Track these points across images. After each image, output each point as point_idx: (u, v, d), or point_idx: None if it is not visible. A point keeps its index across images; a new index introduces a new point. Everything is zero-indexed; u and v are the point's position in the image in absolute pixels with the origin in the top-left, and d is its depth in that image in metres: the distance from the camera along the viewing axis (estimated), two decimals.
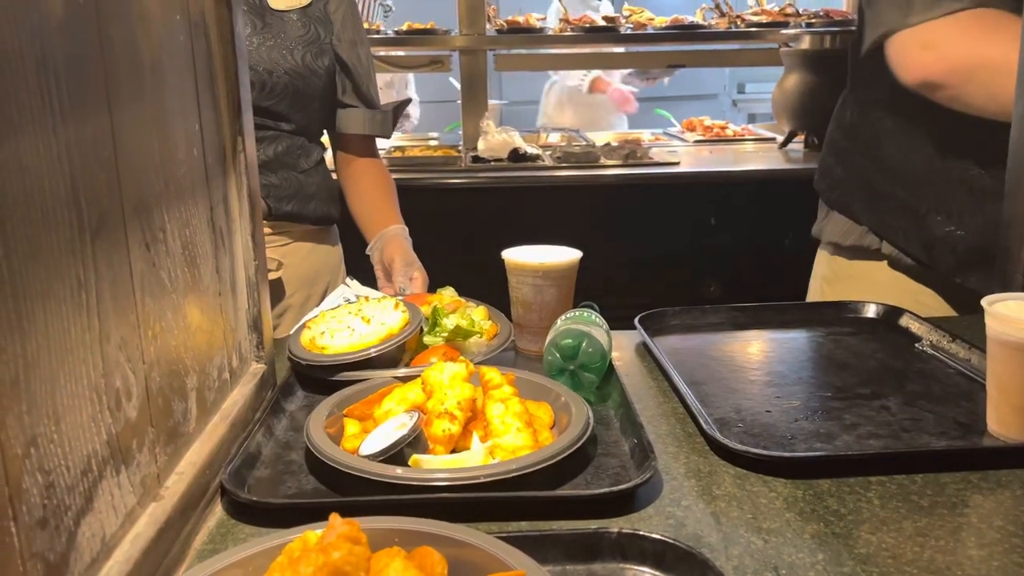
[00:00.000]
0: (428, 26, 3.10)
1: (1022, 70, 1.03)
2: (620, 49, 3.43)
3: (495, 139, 2.88)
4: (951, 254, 1.30)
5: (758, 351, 1.20)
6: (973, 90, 1.17)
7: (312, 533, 0.63)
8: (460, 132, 3.24)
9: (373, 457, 0.78)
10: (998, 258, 1.09)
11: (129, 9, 0.68)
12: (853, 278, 1.46)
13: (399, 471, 0.76)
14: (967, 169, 1.26)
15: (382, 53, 3.22)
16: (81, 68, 0.59)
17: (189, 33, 0.83)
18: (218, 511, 0.79)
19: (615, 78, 4.05)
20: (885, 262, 1.41)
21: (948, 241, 1.30)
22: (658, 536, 0.68)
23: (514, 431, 0.82)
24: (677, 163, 2.84)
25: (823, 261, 1.55)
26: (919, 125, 1.31)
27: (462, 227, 2.68)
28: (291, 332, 1.10)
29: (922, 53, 1.20)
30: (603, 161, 2.86)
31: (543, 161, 2.84)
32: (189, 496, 0.73)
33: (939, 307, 1.39)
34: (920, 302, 1.35)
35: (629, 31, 3.16)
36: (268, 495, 0.80)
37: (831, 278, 1.51)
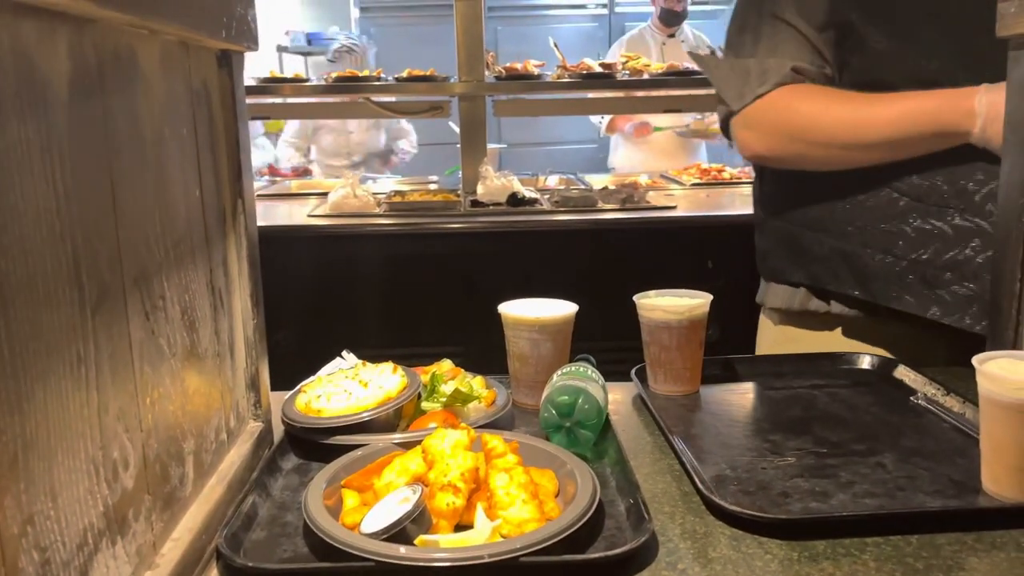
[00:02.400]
0: (428, 73, 3.14)
1: (1010, 129, 1.04)
2: (618, 94, 3.48)
3: (494, 184, 2.91)
4: (885, 282, 1.32)
5: (754, 404, 1.21)
6: (797, 152, 1.34)
7: None
8: (459, 176, 3.27)
9: (375, 535, 0.77)
10: (989, 315, 1.09)
11: (133, 86, 0.70)
12: (803, 344, 1.46)
13: (402, 550, 0.75)
14: (883, 196, 1.31)
15: (382, 99, 3.27)
16: (85, 148, 0.60)
17: (191, 102, 0.85)
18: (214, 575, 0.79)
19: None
20: (839, 329, 1.43)
21: (880, 269, 1.33)
22: None
23: (519, 503, 0.81)
24: (674, 207, 2.87)
25: (768, 328, 1.56)
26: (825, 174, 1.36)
27: (461, 271, 2.70)
28: (286, 397, 1.11)
29: (746, 133, 1.38)
30: (601, 205, 2.89)
31: (541, 205, 2.87)
32: (185, 562, 0.73)
33: None
34: None
35: (626, 77, 3.21)
36: (264, 559, 0.80)
37: (781, 342, 1.51)
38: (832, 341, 1.43)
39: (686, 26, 4.28)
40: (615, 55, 3.99)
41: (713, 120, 3.80)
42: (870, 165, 1.29)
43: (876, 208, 1.31)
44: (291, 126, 4.40)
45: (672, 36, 4.21)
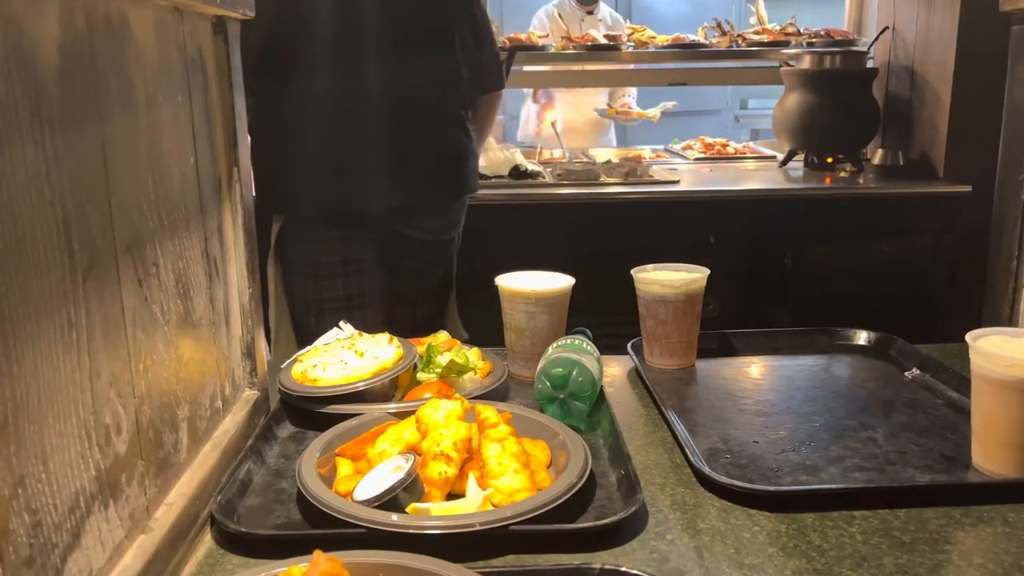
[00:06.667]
0: None
1: (1008, 108, 1.04)
2: (622, 67, 3.45)
3: (497, 156, 2.89)
4: None
5: (749, 378, 1.21)
6: None
7: (296, 568, 0.64)
8: None
9: (368, 503, 0.78)
10: (985, 292, 1.09)
11: (125, 52, 0.69)
12: None
13: (394, 518, 0.76)
14: None
15: None
16: (76, 113, 0.60)
17: (186, 68, 0.84)
18: (207, 541, 0.80)
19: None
20: None
21: None
22: (640, 572, 0.69)
23: (511, 472, 0.82)
24: (677, 181, 2.86)
25: None
26: None
27: (463, 244, 2.69)
28: (282, 365, 1.11)
29: None
30: (603, 179, 2.88)
31: (544, 178, 2.85)
32: (178, 527, 0.74)
33: None
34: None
35: (631, 49, 3.18)
36: (257, 525, 0.81)
37: None
38: None
39: (603, 5, 4.13)
40: (538, 24, 3.82)
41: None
42: None
43: None
44: None
45: (591, 13, 4.09)
